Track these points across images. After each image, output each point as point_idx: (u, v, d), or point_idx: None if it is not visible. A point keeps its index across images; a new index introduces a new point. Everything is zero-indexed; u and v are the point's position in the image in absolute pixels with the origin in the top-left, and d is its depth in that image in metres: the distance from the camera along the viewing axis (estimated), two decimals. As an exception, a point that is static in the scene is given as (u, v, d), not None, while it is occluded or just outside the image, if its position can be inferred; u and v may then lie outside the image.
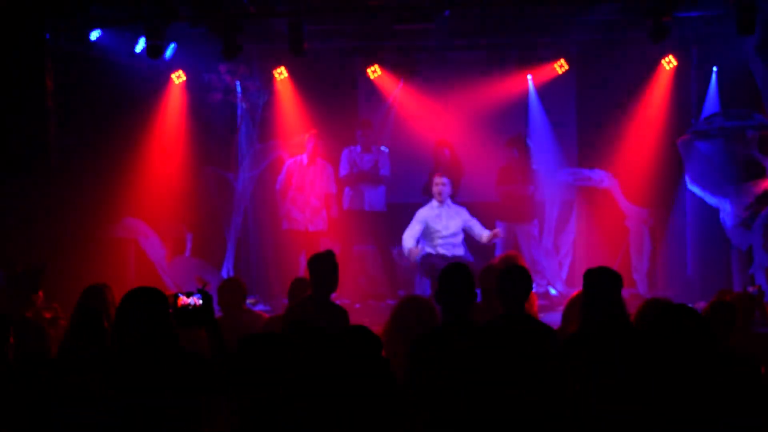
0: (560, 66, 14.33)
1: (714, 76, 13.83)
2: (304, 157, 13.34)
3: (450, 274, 5.77)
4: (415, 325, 6.15)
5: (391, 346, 6.33)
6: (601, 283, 6.07)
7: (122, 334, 5.03)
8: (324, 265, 7.65)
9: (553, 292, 13.42)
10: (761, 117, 12.33)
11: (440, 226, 11.79)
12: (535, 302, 9.14)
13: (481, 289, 8.25)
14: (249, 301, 11.96)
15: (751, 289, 7.73)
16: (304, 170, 13.28)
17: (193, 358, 5.08)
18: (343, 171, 13.47)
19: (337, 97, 15.07)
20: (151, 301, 5.11)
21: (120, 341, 5.03)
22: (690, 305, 11.66)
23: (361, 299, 13.53)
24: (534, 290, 8.56)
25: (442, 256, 11.60)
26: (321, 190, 13.29)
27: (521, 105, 14.82)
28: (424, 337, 5.60)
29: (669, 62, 14.05)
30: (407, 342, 5.73)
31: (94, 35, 11.81)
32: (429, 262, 11.58)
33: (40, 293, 8.98)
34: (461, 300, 5.63)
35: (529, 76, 14.59)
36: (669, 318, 3.99)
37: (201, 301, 5.32)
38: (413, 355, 5.53)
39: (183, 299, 5.37)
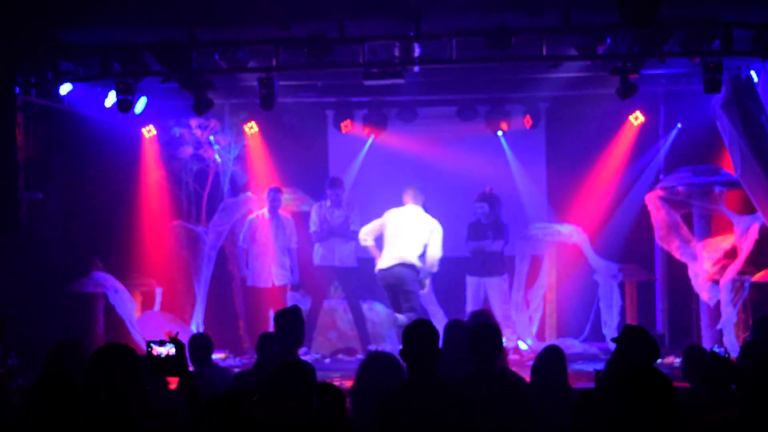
0: (527, 122, 14.44)
1: (675, 132, 14.05)
2: (265, 212, 13.33)
3: (414, 331, 5.76)
4: (382, 382, 6.12)
5: (359, 403, 6.31)
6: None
7: (92, 391, 4.94)
8: (289, 321, 7.66)
9: (523, 346, 13.42)
10: (728, 173, 12.44)
11: None
12: (506, 357, 9.13)
13: (444, 344, 8.25)
14: (219, 356, 11.95)
15: (719, 349, 7.72)
16: (267, 224, 13.27)
17: (162, 416, 5.02)
18: (313, 227, 13.45)
19: (308, 151, 15.14)
20: (122, 358, 5.02)
21: (90, 399, 4.94)
22: (659, 360, 11.74)
23: (331, 354, 13.51)
24: (504, 345, 8.56)
25: None
26: (284, 244, 13.28)
27: (491, 160, 14.88)
28: (391, 394, 5.58)
29: (636, 118, 14.21)
30: (375, 399, 5.71)
31: (65, 90, 11.81)
32: None
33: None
34: (426, 357, 5.62)
35: (498, 132, 14.66)
36: (633, 377, 4.00)
37: (174, 351, 5.28)
38: (380, 413, 5.51)
39: (156, 349, 5.32)
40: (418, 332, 5.75)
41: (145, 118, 13.57)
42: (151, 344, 5.35)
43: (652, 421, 3.85)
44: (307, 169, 14.98)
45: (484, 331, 6.51)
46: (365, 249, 13.27)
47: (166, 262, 13.96)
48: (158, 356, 5.28)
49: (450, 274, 13.71)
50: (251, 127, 14.45)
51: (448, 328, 8.26)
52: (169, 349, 5.28)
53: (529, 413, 6.19)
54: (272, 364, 7.43)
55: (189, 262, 13.86)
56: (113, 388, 4.86)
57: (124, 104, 11.59)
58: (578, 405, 5.87)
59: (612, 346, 12.07)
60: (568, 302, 14.24)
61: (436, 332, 5.82)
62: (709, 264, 12.52)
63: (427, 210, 13.23)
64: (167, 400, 6.14)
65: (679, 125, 14.07)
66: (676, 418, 3.91)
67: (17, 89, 11.37)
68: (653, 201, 13.15)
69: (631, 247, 14.28)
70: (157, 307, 13.61)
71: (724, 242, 12.51)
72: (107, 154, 13.42)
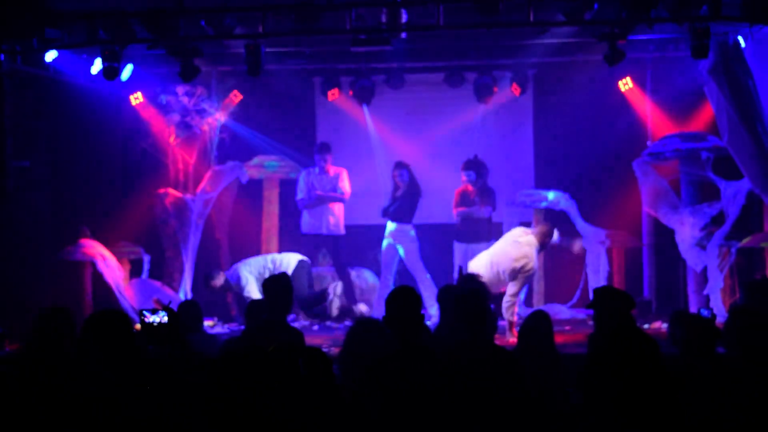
0: (515, 89, 14.45)
1: (662, 98, 14.09)
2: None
3: (396, 297, 5.76)
4: (370, 348, 6.14)
5: (347, 369, 6.33)
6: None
7: (85, 357, 4.92)
8: (277, 288, 7.67)
9: (511, 312, 13.45)
10: (715, 139, 12.45)
11: None
12: (496, 322, 9.20)
13: (440, 309, 8.30)
14: (207, 323, 11.95)
15: (704, 312, 7.76)
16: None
17: (155, 382, 5.00)
18: (300, 194, 13.43)
19: (295, 118, 15.13)
20: (115, 324, 5.00)
21: (83, 365, 4.92)
22: (646, 326, 11.77)
23: (319, 320, 13.53)
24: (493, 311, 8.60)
25: None
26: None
27: (478, 127, 14.91)
28: (377, 361, 5.60)
29: (625, 84, 14.21)
30: (362, 365, 5.73)
31: (50, 57, 11.74)
32: None
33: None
34: (409, 325, 5.62)
35: (486, 98, 14.64)
36: (620, 341, 4.02)
37: (167, 319, 5.29)
38: (367, 380, 5.53)
39: (149, 317, 5.34)
40: (400, 299, 5.75)
41: (131, 85, 13.52)
42: (144, 312, 5.36)
43: (637, 383, 3.86)
44: (295, 136, 14.98)
45: (469, 298, 6.50)
46: (352, 215, 13.34)
47: (154, 229, 13.94)
48: (151, 324, 5.30)
49: (437, 240, 13.77)
50: (237, 95, 14.40)
51: (441, 294, 8.30)
52: (162, 317, 5.30)
53: (518, 382, 6.20)
54: (260, 331, 7.50)
55: (177, 229, 13.82)
56: (106, 354, 4.85)
57: (110, 71, 11.53)
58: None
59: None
60: (555, 269, 14.29)
61: (418, 298, 5.83)
62: (696, 230, 12.56)
63: (417, 179, 13.27)
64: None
65: (665, 92, 14.11)
66: (662, 380, 3.92)
67: (2, 57, 11.33)
68: (641, 167, 13.18)
69: (619, 213, 14.29)
70: (145, 275, 13.60)
71: (711, 208, 12.54)
72: (94, 122, 13.38)
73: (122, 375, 4.83)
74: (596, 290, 6.49)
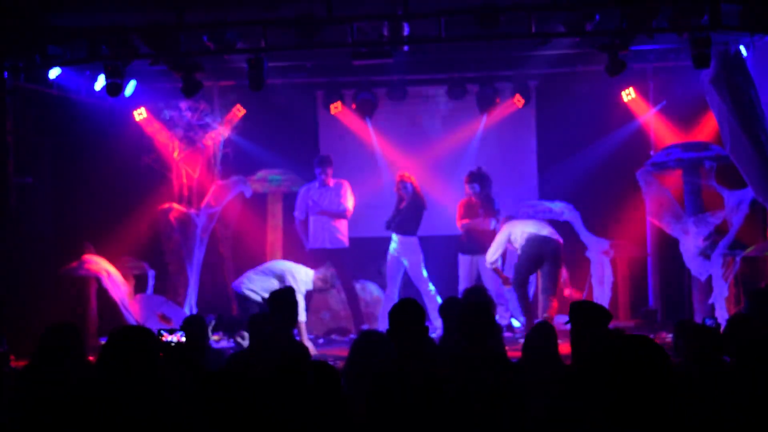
0: (518, 100, 14.47)
1: (663, 108, 14.10)
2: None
3: (398, 311, 5.75)
4: (375, 361, 6.13)
5: (352, 382, 6.32)
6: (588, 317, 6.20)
7: (109, 371, 4.88)
8: (282, 302, 7.66)
9: (516, 324, 13.45)
10: (718, 148, 12.45)
11: None
12: (501, 334, 9.17)
13: (443, 322, 8.29)
14: (212, 338, 11.94)
15: (709, 321, 7.76)
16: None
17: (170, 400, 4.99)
18: (298, 210, 13.40)
19: (298, 132, 15.15)
20: (142, 340, 4.97)
21: (105, 378, 4.89)
22: (652, 336, 11.74)
23: (324, 334, 13.54)
24: (498, 322, 8.59)
25: None
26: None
27: (481, 139, 14.93)
28: (381, 374, 5.59)
29: (628, 94, 14.23)
30: (367, 378, 5.71)
31: (54, 73, 11.78)
32: None
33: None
34: (411, 337, 5.61)
35: (488, 110, 14.67)
36: (626, 350, 3.99)
37: (184, 339, 5.30)
38: (371, 393, 5.52)
39: (166, 336, 5.35)
40: (402, 311, 5.74)
41: (135, 101, 13.56)
42: (162, 331, 5.37)
43: (644, 393, 3.84)
44: (298, 150, 14.98)
45: (474, 311, 6.49)
46: (356, 228, 13.34)
47: (159, 245, 13.96)
48: (168, 344, 5.31)
49: (442, 252, 13.76)
50: (239, 109, 14.43)
51: (444, 306, 8.28)
52: (179, 337, 5.31)
53: (520, 394, 6.18)
54: (266, 345, 7.50)
55: (181, 244, 13.84)
56: (130, 371, 4.82)
57: (114, 88, 11.55)
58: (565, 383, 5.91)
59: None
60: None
61: (421, 310, 5.81)
62: (700, 239, 12.54)
63: (420, 191, 13.25)
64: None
65: (663, 102, 14.15)
66: (669, 390, 3.90)
67: (6, 74, 11.35)
68: (644, 177, 13.17)
69: (623, 223, 14.30)
70: (149, 290, 13.61)
71: (715, 217, 12.53)
72: (98, 138, 13.40)
73: (141, 392, 4.81)
74: (572, 305, 6.47)
